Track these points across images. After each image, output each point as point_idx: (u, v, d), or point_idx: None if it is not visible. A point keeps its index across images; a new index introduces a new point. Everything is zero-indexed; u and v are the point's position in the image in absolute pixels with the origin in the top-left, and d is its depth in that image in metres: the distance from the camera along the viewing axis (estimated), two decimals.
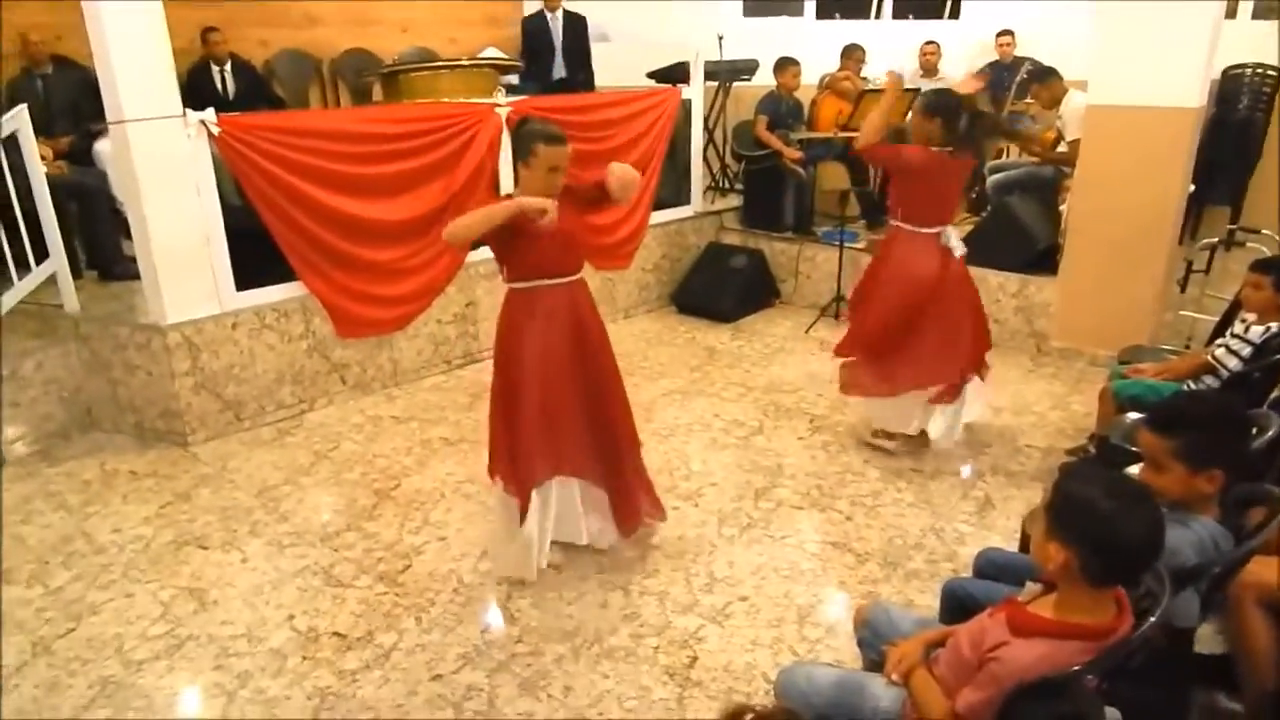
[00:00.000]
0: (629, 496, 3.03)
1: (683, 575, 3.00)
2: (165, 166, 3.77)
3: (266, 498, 3.55)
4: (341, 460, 3.88)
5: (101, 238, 4.80)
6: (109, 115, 3.68)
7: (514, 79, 6.45)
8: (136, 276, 4.06)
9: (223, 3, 6.36)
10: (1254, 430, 2.27)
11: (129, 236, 4.06)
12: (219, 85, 6.14)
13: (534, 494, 2.79)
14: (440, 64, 5.13)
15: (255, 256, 4.11)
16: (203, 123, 3.82)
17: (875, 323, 3.74)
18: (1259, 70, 6.61)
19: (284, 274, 4.19)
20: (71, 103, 5.29)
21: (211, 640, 2.68)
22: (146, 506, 3.48)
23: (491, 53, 7.08)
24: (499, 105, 4.82)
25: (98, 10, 3.51)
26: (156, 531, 3.30)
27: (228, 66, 6.18)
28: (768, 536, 3.24)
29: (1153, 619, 1.53)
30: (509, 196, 2.72)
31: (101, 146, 5.04)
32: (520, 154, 2.65)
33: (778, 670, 1.96)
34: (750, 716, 1.26)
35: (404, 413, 4.39)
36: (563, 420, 2.82)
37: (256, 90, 6.26)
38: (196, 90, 5.71)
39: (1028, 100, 6.13)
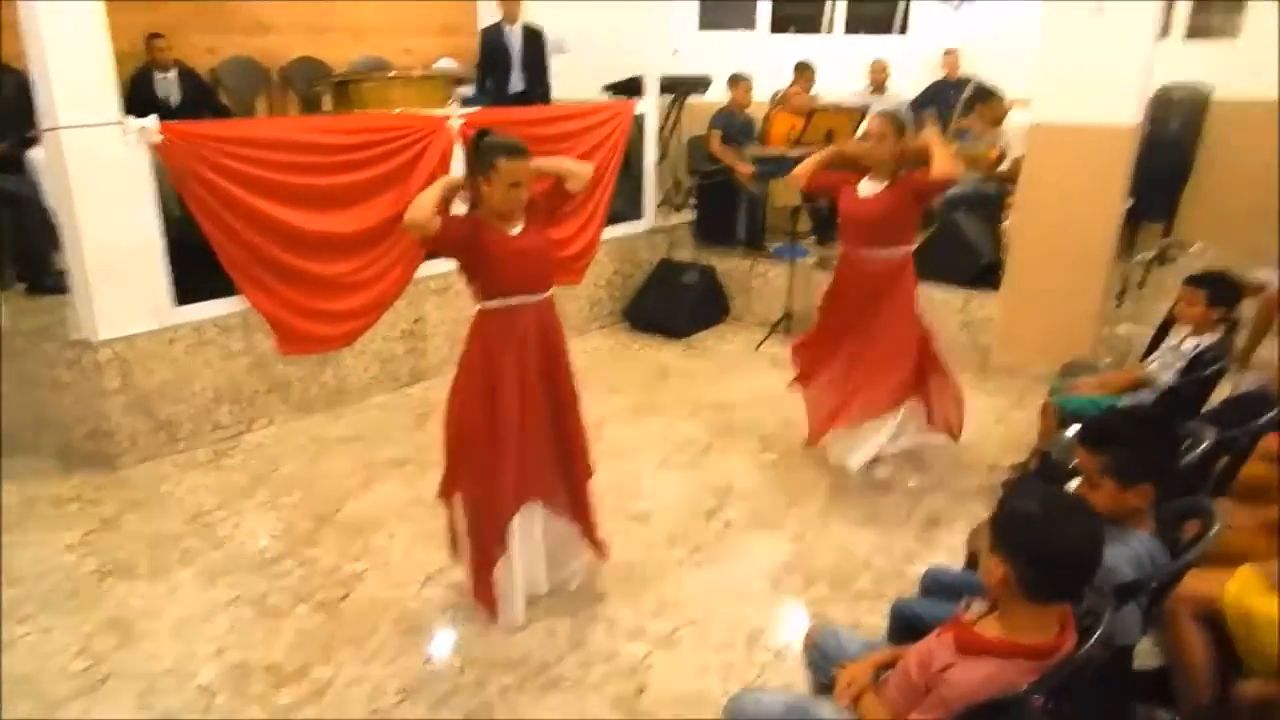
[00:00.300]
0: (590, 522, 2.96)
1: (631, 600, 2.96)
2: (101, 175, 3.62)
3: (199, 524, 3.42)
4: (281, 483, 3.76)
5: (32, 249, 4.62)
6: (42, 121, 3.54)
7: (468, 90, 6.38)
8: (67, 290, 3.90)
9: (170, 5, 6.20)
10: (1187, 443, 2.31)
11: (59, 249, 3.90)
12: (162, 93, 5.98)
13: (513, 526, 2.70)
14: (392, 74, 5.05)
15: (197, 270, 3.97)
16: (143, 130, 3.69)
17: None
18: (1190, 89, 6.82)
19: (226, 288, 4.05)
20: (6, 107, 5.09)
21: (135, 677, 2.56)
22: (69, 534, 3.33)
23: (446, 63, 7.01)
24: (452, 117, 4.75)
25: (33, 9, 3.36)
26: (79, 560, 3.16)
27: (172, 73, 6.03)
28: (717, 557, 3.22)
29: (1096, 636, 1.53)
30: (471, 215, 2.64)
31: (34, 154, 4.85)
32: (480, 169, 2.55)
33: (725, 698, 1.92)
34: None
35: (349, 433, 4.29)
36: (533, 447, 2.72)
37: (201, 98, 6.12)
38: (138, 97, 5.54)
39: (972, 118, 6.24)
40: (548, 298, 2.75)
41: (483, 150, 2.56)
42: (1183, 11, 6.96)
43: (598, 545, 2.97)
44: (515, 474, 2.67)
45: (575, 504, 2.89)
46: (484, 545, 2.71)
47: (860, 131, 3.57)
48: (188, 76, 6.11)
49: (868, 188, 3.55)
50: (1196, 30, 7.05)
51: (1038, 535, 1.48)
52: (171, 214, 3.98)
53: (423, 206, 2.48)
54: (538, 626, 2.80)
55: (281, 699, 2.48)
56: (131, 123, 3.67)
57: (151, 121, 3.71)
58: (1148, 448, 1.92)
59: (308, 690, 2.51)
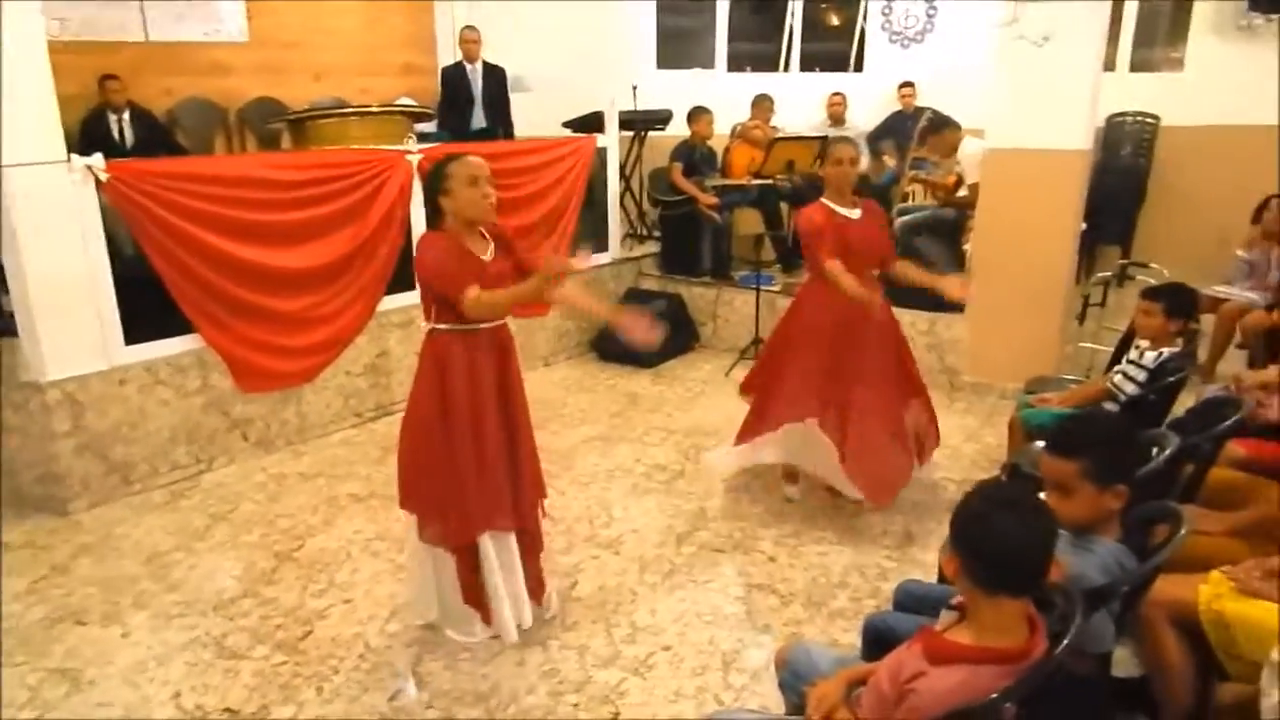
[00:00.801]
0: (537, 558, 2.89)
1: (603, 627, 2.88)
2: (48, 215, 3.55)
3: (155, 565, 3.30)
4: (240, 522, 3.65)
5: None
6: None
7: (428, 127, 6.39)
8: (15, 333, 3.79)
9: (126, 48, 6.16)
10: (1153, 450, 2.32)
11: (7, 290, 3.79)
12: (116, 133, 5.92)
13: (486, 540, 2.66)
14: (349, 110, 5.04)
15: (150, 308, 3.89)
16: (89, 168, 3.63)
17: None
18: (1139, 118, 7.05)
19: (179, 326, 3.97)
20: None
21: None
22: (18, 581, 3.19)
23: (405, 102, 7.03)
24: (410, 152, 4.74)
25: None
26: (27, 608, 3.02)
27: (125, 115, 5.97)
28: (691, 582, 3.16)
29: (1066, 640, 1.50)
30: (447, 236, 2.54)
31: None
32: (436, 189, 2.52)
33: (698, 718, 1.86)
34: None
35: (310, 469, 4.18)
36: (494, 469, 2.66)
37: (156, 139, 6.06)
38: (91, 138, 5.49)
39: (927, 148, 6.36)
40: (504, 324, 2.69)
41: (432, 172, 2.56)
42: (1126, 47, 7.23)
43: (538, 577, 2.89)
44: (476, 499, 2.62)
45: (525, 530, 2.80)
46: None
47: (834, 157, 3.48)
48: (142, 117, 6.05)
49: (849, 212, 3.44)
50: (1141, 64, 7.32)
51: (977, 525, 1.51)
52: (123, 252, 3.91)
53: (494, 306, 2.51)
54: (506, 657, 2.72)
55: None
56: (76, 161, 3.61)
57: (97, 160, 3.65)
58: (1120, 448, 1.93)
59: None
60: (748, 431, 3.69)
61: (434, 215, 2.60)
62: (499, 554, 2.70)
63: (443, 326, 2.58)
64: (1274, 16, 6.42)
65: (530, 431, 2.82)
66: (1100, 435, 1.92)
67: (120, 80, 5.93)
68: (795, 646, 2.02)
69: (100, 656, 2.75)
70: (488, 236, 2.62)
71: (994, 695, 1.40)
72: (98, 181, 3.66)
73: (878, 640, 2.02)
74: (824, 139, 6.75)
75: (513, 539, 2.75)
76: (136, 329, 3.88)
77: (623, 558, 3.33)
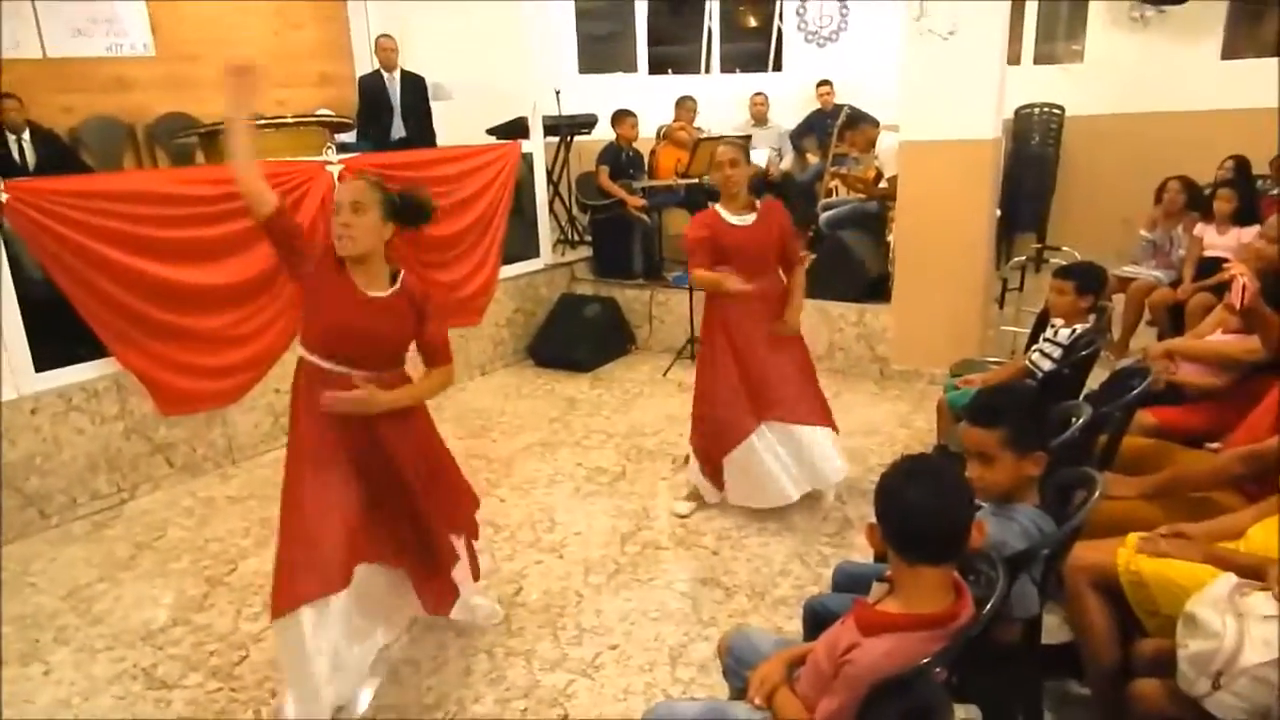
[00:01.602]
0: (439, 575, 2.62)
1: (549, 630, 2.87)
2: None
3: (76, 599, 3.16)
4: (168, 549, 3.52)
5: None
6: None
7: (347, 137, 6.28)
8: None
9: (18, 65, 5.89)
10: (1070, 420, 2.41)
11: None
12: (16, 155, 5.66)
13: (306, 611, 2.27)
14: (264, 121, 4.90)
15: (58, 333, 3.73)
16: None
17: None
18: (1045, 109, 7.34)
19: (92, 350, 3.82)
20: None
21: None
22: None
23: (324, 113, 6.88)
24: (330, 163, 4.65)
25: None
26: None
27: (25, 135, 5.71)
28: (636, 581, 3.16)
29: (990, 604, 1.55)
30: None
31: None
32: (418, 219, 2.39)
33: (645, 710, 1.87)
34: None
35: (240, 492, 4.06)
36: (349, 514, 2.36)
37: (61, 159, 5.80)
38: None
39: (845, 144, 6.52)
40: (384, 376, 2.37)
41: (409, 203, 2.36)
42: (1030, 40, 7.53)
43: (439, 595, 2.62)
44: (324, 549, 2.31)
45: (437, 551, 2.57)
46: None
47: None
48: (44, 137, 5.80)
49: (736, 219, 3.42)
50: (1043, 58, 7.63)
51: (892, 498, 1.56)
52: (29, 275, 3.74)
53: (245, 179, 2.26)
54: (452, 668, 2.68)
55: None
56: None
57: None
58: (1036, 416, 2.02)
59: None
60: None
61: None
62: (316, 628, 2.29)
63: (306, 356, 2.33)
64: (1164, 8, 6.77)
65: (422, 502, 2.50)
66: (1016, 404, 2.00)
67: (18, 99, 5.67)
68: (736, 633, 2.04)
69: (18, 696, 2.62)
70: (400, 283, 2.36)
71: (924, 660, 1.44)
72: None
73: (817, 621, 2.06)
74: (747, 138, 6.89)
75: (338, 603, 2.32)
76: (46, 355, 3.72)
77: (567, 561, 3.31)
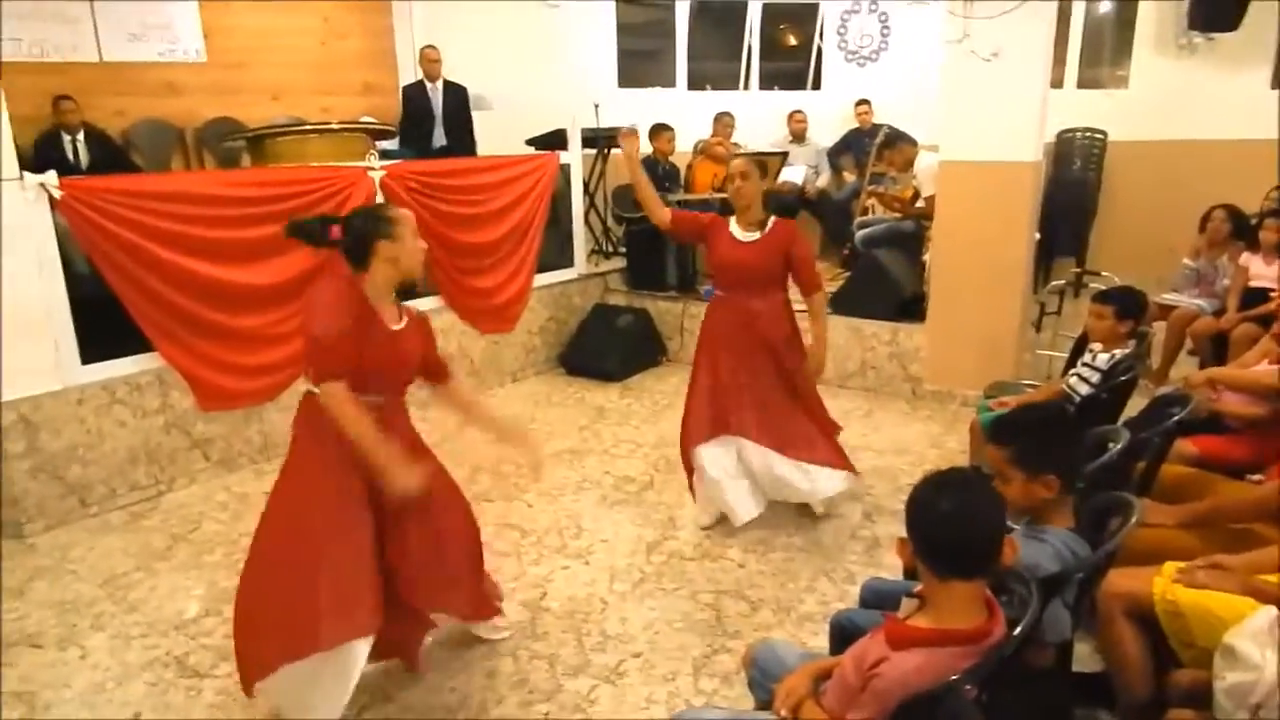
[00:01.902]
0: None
1: (573, 636, 2.88)
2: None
3: (113, 587, 3.23)
4: (202, 542, 3.58)
5: None
6: None
7: (389, 144, 6.39)
8: None
9: (77, 69, 6.09)
10: (1108, 445, 2.39)
11: None
12: (70, 154, 5.83)
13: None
14: (309, 127, 5.02)
15: (105, 327, 3.83)
16: (42, 186, 3.58)
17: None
18: (1088, 133, 7.27)
19: (136, 345, 3.91)
20: None
21: None
22: None
23: (366, 120, 7.02)
24: (372, 169, 4.74)
25: None
26: None
27: (80, 135, 5.90)
28: (660, 590, 3.16)
29: (1025, 622, 1.54)
30: (344, 285, 2.26)
31: None
32: (378, 234, 2.23)
33: (669, 716, 1.87)
34: None
35: None
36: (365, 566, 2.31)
37: (112, 159, 5.98)
38: (45, 160, 5.38)
39: (883, 163, 6.50)
40: (400, 401, 2.43)
41: (366, 221, 2.27)
42: (1073, 65, 7.46)
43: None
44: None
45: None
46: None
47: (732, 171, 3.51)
48: (97, 138, 5.98)
49: (742, 234, 3.43)
50: (1087, 82, 7.56)
51: (923, 510, 1.56)
52: (79, 270, 3.85)
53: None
54: (476, 669, 2.70)
55: None
56: (29, 178, 3.56)
57: (50, 177, 3.61)
58: (1050, 439, 2.00)
59: None
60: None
61: (358, 261, 2.27)
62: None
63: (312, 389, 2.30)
64: (1212, 35, 6.68)
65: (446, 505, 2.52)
66: (1031, 424, 1.99)
67: (74, 101, 5.86)
68: (762, 645, 2.03)
69: (57, 679, 2.68)
70: (402, 309, 2.38)
71: (954, 677, 1.42)
72: (51, 199, 3.61)
73: (844, 637, 2.04)
74: (784, 155, 6.90)
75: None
76: (93, 348, 3.82)
77: (592, 568, 3.32)
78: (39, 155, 5.51)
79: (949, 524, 1.52)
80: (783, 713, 1.66)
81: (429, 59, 6.81)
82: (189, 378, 4.04)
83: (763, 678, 1.91)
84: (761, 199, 3.43)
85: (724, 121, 7.33)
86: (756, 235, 3.42)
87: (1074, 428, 2.16)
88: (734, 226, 3.46)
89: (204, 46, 6.71)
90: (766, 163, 3.89)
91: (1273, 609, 1.80)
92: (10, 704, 2.56)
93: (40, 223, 3.61)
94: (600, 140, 6.81)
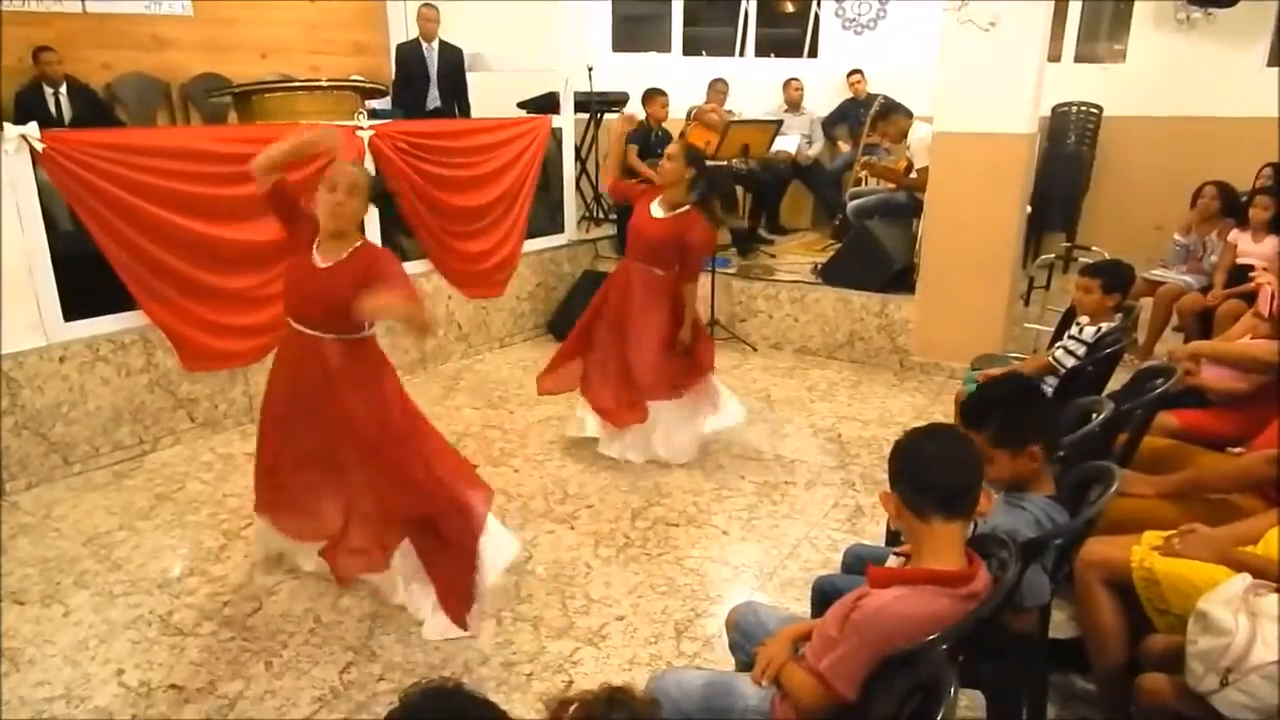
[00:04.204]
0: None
1: (558, 599, 2.89)
2: None
3: (96, 545, 3.22)
4: (186, 501, 3.58)
5: None
6: None
7: (379, 104, 6.29)
8: None
9: (60, 19, 5.95)
10: (1091, 416, 2.40)
11: None
12: (52, 107, 5.73)
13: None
14: (297, 84, 4.93)
15: (89, 284, 3.78)
16: (24, 138, 3.51)
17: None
18: (1083, 107, 7.23)
19: (121, 303, 3.87)
20: None
21: (23, 704, 2.38)
22: None
23: (356, 79, 6.91)
24: (361, 128, 4.67)
25: None
26: None
27: (63, 88, 5.79)
28: (645, 555, 3.18)
29: (1003, 584, 1.55)
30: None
31: None
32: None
33: (650, 676, 1.89)
34: (574, 706, 1.20)
35: None
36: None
37: (95, 113, 5.88)
38: (26, 112, 5.28)
39: (877, 134, 6.45)
40: (331, 341, 2.61)
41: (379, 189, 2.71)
42: (1071, 38, 7.40)
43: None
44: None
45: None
46: None
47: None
48: (80, 91, 5.87)
49: (658, 210, 3.77)
50: (1085, 56, 7.50)
51: (903, 452, 1.63)
52: (62, 225, 3.80)
53: (269, 154, 2.55)
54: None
55: (186, 715, 2.33)
56: (10, 130, 3.49)
57: (32, 129, 3.53)
58: (1023, 409, 2.01)
59: (214, 706, 2.37)
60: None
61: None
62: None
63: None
64: (1211, 10, 6.63)
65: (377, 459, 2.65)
66: (1002, 400, 2.00)
67: (56, 52, 5.74)
68: (744, 607, 2.05)
69: (39, 636, 2.68)
70: (349, 254, 2.59)
71: (933, 636, 1.44)
72: (34, 152, 3.54)
73: (825, 600, 2.06)
74: (779, 123, 6.84)
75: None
76: (76, 305, 3.77)
77: (577, 532, 3.34)
78: (19, 108, 5.42)
79: (932, 459, 1.58)
80: (763, 681, 1.67)
81: (426, 18, 6.70)
82: (173, 337, 4.00)
83: (744, 640, 1.93)
84: (687, 185, 3.70)
85: (717, 89, 7.26)
86: (665, 215, 3.75)
87: (1039, 393, 2.17)
88: (655, 202, 3.79)
89: (190, 1, 6.57)
90: (707, 154, 4.48)
91: (1247, 576, 1.82)
92: None
93: (22, 176, 3.55)
94: (593, 104, 6.73)
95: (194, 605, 2.84)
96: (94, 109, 5.89)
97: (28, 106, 5.48)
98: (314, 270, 2.59)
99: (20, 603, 2.86)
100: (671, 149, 3.76)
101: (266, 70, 6.86)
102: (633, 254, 3.87)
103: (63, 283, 3.72)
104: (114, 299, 3.84)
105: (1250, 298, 4.03)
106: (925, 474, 1.58)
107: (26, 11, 5.80)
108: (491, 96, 6.87)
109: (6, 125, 3.48)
